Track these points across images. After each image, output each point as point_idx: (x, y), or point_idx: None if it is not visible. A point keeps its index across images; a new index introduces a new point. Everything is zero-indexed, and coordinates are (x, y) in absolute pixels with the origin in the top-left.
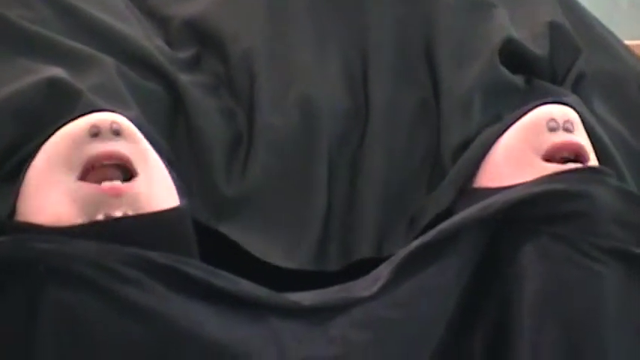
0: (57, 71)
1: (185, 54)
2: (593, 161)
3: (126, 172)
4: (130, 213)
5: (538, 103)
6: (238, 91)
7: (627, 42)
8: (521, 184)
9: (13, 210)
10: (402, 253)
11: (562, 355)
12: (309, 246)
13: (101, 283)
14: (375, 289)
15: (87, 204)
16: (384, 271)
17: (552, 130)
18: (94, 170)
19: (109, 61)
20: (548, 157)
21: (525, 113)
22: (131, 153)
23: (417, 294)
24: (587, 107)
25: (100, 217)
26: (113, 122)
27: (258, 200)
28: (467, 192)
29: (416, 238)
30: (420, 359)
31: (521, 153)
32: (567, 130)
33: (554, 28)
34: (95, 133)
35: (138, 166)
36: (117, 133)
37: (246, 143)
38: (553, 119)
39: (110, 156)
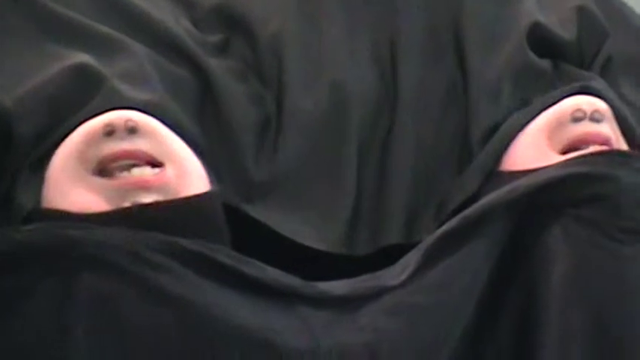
0: (84, 57)
1: (213, 38)
2: (622, 147)
3: (152, 163)
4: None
5: (568, 91)
6: (267, 76)
7: None
8: (547, 167)
9: (39, 200)
10: (429, 240)
11: (589, 337)
12: (339, 230)
13: (132, 270)
14: (403, 276)
15: (114, 195)
16: (412, 259)
17: (577, 120)
18: (115, 164)
19: (137, 46)
20: (571, 149)
21: (556, 102)
22: (151, 148)
23: (445, 279)
24: (614, 91)
25: (127, 204)
26: (128, 120)
27: (287, 184)
28: (493, 175)
29: (444, 222)
30: (450, 343)
31: (540, 146)
32: (595, 119)
33: (581, 11)
34: (109, 132)
35: (163, 158)
36: (133, 130)
37: (276, 128)
38: (580, 109)
39: (126, 155)
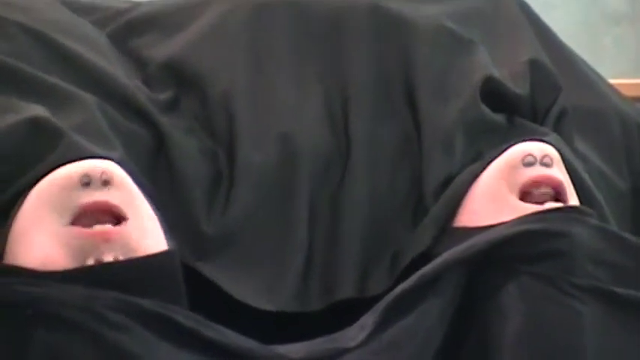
0: (39, 110)
1: (163, 96)
2: (573, 198)
3: (116, 216)
4: (121, 257)
5: (517, 140)
6: (218, 131)
7: (611, 80)
8: (501, 224)
9: (1, 252)
10: (386, 299)
11: None
12: (290, 286)
13: (89, 328)
14: (361, 338)
15: (77, 248)
16: (368, 320)
17: (528, 164)
18: (85, 216)
19: (90, 99)
20: (525, 193)
21: (504, 151)
22: (121, 201)
23: (402, 338)
24: (568, 145)
25: (91, 261)
26: (103, 172)
27: (239, 239)
28: (447, 231)
29: (398, 277)
30: None
31: (498, 191)
32: (545, 164)
33: (534, 65)
34: (86, 183)
35: (127, 211)
36: (107, 183)
37: (227, 182)
38: (530, 154)
39: (99, 207)
